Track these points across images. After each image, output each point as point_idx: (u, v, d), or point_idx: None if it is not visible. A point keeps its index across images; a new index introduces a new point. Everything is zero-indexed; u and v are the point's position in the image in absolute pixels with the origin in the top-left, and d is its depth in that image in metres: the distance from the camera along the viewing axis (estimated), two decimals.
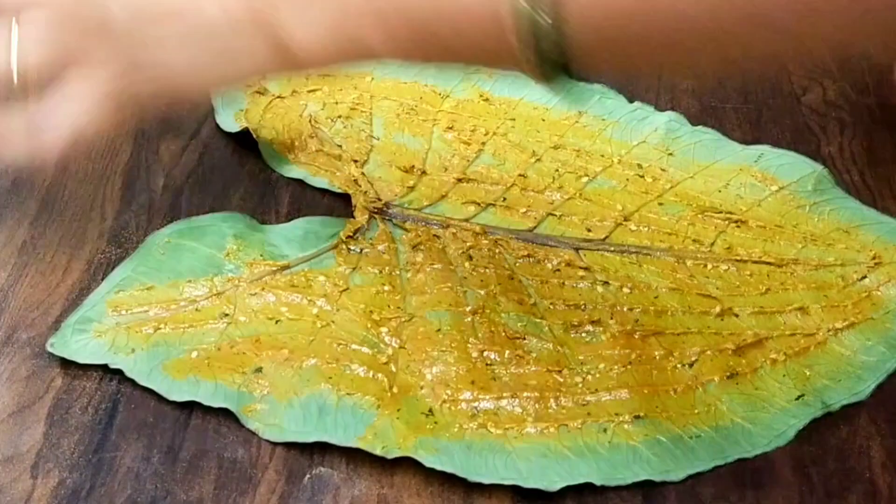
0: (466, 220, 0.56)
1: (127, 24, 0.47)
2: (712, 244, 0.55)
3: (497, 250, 0.55)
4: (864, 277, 0.54)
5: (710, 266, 0.55)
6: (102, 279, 0.54)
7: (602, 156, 0.60)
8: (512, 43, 0.41)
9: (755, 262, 0.55)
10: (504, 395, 0.49)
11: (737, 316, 0.52)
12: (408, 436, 0.47)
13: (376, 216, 0.56)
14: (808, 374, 0.50)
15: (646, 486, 0.46)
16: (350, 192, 0.58)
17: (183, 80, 0.48)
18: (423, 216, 0.56)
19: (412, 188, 0.58)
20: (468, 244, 0.55)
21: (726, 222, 0.56)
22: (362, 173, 0.58)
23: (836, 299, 0.53)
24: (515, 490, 0.46)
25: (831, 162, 0.60)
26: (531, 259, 0.55)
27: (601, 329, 0.51)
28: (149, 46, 0.47)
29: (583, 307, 0.52)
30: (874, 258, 0.55)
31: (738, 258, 0.55)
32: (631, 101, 0.63)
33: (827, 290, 0.54)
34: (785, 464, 0.47)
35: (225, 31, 0.46)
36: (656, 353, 0.51)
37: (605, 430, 0.48)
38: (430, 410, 0.48)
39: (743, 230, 0.56)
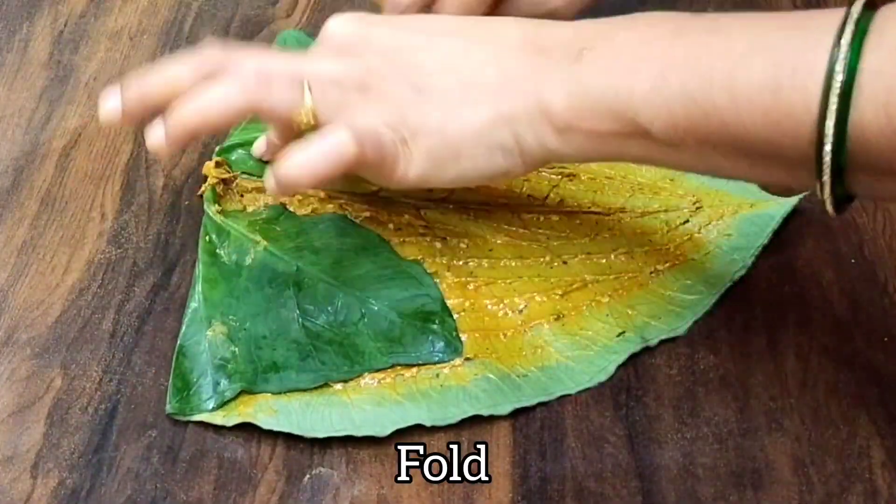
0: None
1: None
2: (546, 198, 0.58)
3: (342, 213, 0.57)
4: (687, 221, 0.57)
5: (542, 218, 0.57)
6: (102, 279, 0.54)
7: None
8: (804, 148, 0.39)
9: (584, 213, 0.57)
10: None
11: (566, 263, 0.55)
12: (247, 401, 0.49)
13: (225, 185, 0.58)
14: (630, 313, 0.53)
15: (644, 487, 0.46)
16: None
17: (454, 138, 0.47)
18: None
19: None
20: (313, 209, 0.57)
21: (559, 177, 0.59)
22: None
23: (659, 243, 0.56)
24: (515, 490, 0.46)
25: None
26: (375, 220, 0.57)
27: (437, 281, 0.54)
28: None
29: (420, 261, 0.55)
30: (696, 203, 0.58)
31: (569, 209, 0.58)
32: None
33: (651, 234, 0.57)
34: (785, 464, 0.47)
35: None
36: (488, 301, 0.53)
37: (437, 376, 0.50)
38: None
39: (575, 183, 0.59)
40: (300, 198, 0.57)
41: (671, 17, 0.45)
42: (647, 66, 0.43)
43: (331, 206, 0.57)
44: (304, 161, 0.46)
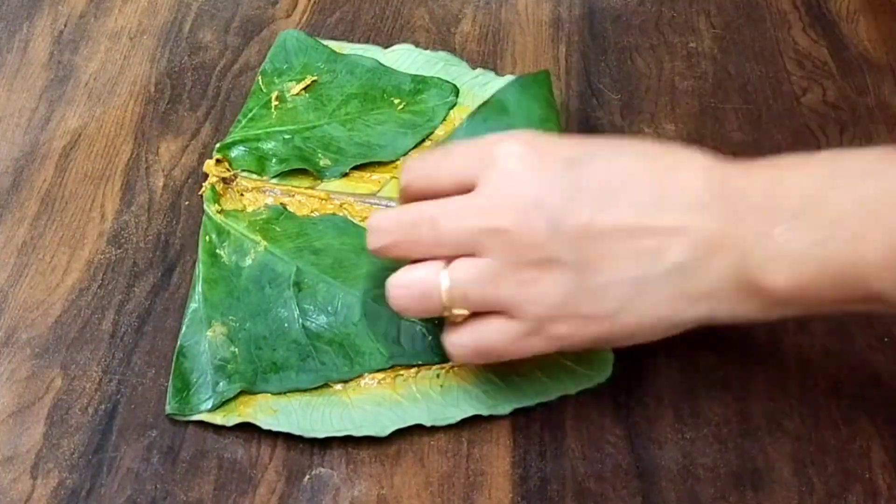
0: (311, 188, 0.58)
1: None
2: None
3: (342, 214, 0.57)
4: None
5: None
6: (102, 279, 0.54)
7: (446, 120, 0.62)
8: None
9: None
10: None
11: None
12: (247, 401, 0.50)
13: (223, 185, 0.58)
14: None
15: (644, 487, 0.46)
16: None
17: (630, 324, 0.44)
18: (269, 186, 0.58)
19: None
20: (313, 209, 0.57)
21: None
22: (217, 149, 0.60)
23: None
24: (515, 490, 0.46)
25: None
26: None
27: None
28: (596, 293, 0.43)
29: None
30: None
31: None
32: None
33: None
34: (785, 464, 0.47)
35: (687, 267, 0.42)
36: None
37: (437, 376, 0.50)
38: None
39: None
40: (300, 198, 0.57)
41: (870, 169, 0.41)
42: (873, 231, 0.39)
43: (331, 206, 0.57)
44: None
